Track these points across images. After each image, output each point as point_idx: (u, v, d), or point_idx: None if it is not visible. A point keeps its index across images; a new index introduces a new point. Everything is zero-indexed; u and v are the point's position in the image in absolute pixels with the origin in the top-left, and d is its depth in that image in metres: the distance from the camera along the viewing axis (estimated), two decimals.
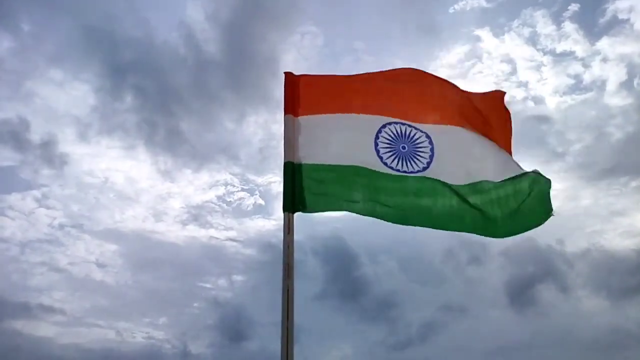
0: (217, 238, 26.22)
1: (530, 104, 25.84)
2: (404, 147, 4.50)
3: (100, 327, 21.99)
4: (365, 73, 4.75)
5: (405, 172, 4.40)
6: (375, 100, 4.65)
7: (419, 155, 4.48)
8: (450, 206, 4.36)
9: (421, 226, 4.38)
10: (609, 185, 25.32)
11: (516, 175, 4.47)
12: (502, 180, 4.44)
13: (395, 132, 4.55)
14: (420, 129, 4.57)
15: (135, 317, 23.29)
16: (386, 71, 4.80)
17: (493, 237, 4.45)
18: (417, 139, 4.55)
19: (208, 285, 24.87)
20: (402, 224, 4.38)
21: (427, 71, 4.80)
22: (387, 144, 4.51)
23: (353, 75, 4.74)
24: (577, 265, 23.09)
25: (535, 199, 4.42)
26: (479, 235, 4.40)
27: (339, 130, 4.53)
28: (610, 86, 25.34)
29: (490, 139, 4.68)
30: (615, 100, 25.18)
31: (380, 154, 4.47)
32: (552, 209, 4.46)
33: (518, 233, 4.44)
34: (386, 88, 4.70)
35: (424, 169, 4.43)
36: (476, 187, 4.43)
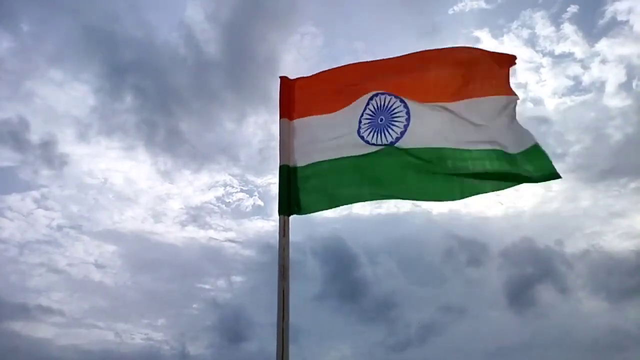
0: (216, 239, 26.28)
1: (530, 105, 25.84)
2: (381, 119, 4.46)
3: (99, 328, 22.05)
4: (357, 63, 4.69)
5: (380, 144, 4.37)
6: (364, 82, 4.60)
7: (394, 124, 4.41)
8: (423, 175, 4.27)
9: (404, 199, 4.38)
10: (608, 187, 25.34)
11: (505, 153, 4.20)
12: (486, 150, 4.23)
13: (377, 105, 4.50)
14: (402, 99, 4.47)
15: (134, 318, 23.32)
16: (384, 59, 4.68)
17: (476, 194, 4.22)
18: (394, 107, 4.46)
19: (207, 287, 24.91)
20: (389, 198, 4.42)
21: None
22: (368, 118, 4.49)
23: (347, 65, 4.69)
24: (576, 266, 23.11)
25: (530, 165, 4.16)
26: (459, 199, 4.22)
27: (329, 128, 4.54)
28: (610, 87, 25.40)
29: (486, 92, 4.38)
30: (615, 101, 25.24)
31: (360, 131, 4.45)
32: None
33: (510, 186, 4.22)
34: (378, 68, 4.64)
35: (397, 138, 4.35)
36: (449, 152, 4.27)
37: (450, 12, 26.93)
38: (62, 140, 27.08)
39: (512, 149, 4.19)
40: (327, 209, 4.44)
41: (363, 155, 4.41)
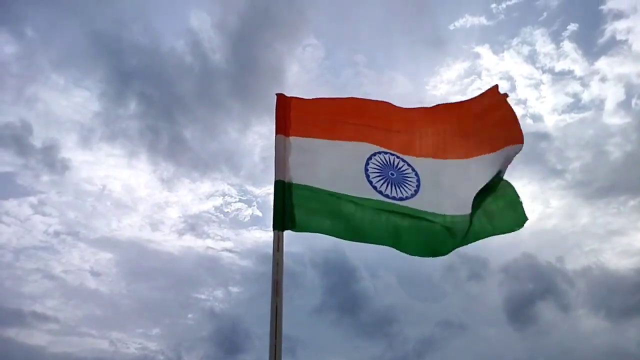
0: (213, 248, 26.27)
1: (529, 121, 25.97)
2: (392, 174, 4.61)
3: (93, 337, 22.00)
4: (353, 98, 4.85)
5: (394, 198, 4.50)
6: (363, 128, 4.76)
7: (406, 182, 4.60)
8: (433, 231, 4.46)
9: (398, 249, 4.48)
10: (607, 204, 25.35)
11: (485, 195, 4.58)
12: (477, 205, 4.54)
13: (382, 161, 4.67)
14: (405, 159, 4.71)
15: (128, 327, 23.21)
16: (374, 101, 4.90)
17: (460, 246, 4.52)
18: (403, 168, 4.68)
19: (203, 296, 24.77)
20: (392, 247, 4.47)
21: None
22: (377, 170, 4.61)
23: (342, 99, 4.82)
24: (575, 283, 23.01)
25: (507, 209, 4.67)
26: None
27: (329, 156, 4.62)
28: (609, 105, 25.55)
29: (488, 148, 4.71)
30: (614, 119, 25.36)
31: (370, 179, 4.56)
32: (524, 218, 4.70)
33: (487, 237, 4.64)
34: (374, 116, 4.82)
35: (412, 195, 4.54)
36: (460, 218, 4.51)
37: (452, 27, 27.24)
38: (64, 145, 27.26)
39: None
40: (322, 233, 4.45)
41: (375, 202, 4.46)
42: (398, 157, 4.70)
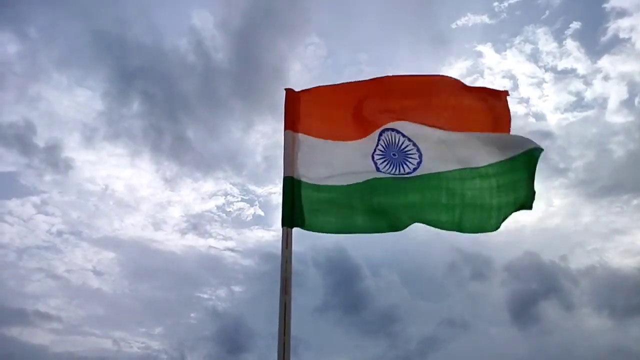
0: (216, 248, 26.22)
1: (532, 120, 25.90)
2: (394, 155, 4.58)
3: (96, 336, 21.98)
4: (359, 82, 4.76)
5: (397, 174, 4.50)
6: (370, 114, 4.70)
7: (409, 159, 4.56)
8: (440, 202, 4.44)
9: (413, 222, 4.44)
10: (610, 203, 25.28)
11: (508, 158, 4.40)
12: (491, 164, 4.44)
13: (387, 141, 4.62)
14: (406, 134, 4.63)
15: (131, 327, 23.20)
16: (385, 78, 4.78)
17: (482, 232, 4.42)
18: (404, 145, 4.61)
19: (205, 296, 24.71)
20: (400, 229, 4.45)
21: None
22: (381, 152, 4.60)
23: (351, 84, 4.75)
24: (578, 282, 22.96)
25: (521, 182, 4.37)
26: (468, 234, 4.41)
27: (339, 156, 4.60)
28: (612, 104, 25.46)
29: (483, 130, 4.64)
30: (617, 118, 25.26)
31: (375, 160, 4.57)
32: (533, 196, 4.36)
33: (502, 221, 4.40)
34: (381, 87, 4.75)
35: (415, 169, 4.51)
36: (466, 172, 4.48)
37: (454, 26, 27.13)
38: (67, 144, 27.28)
39: (510, 153, 4.39)
40: (332, 233, 4.47)
41: (378, 180, 4.48)
42: (398, 133, 4.63)
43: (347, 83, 4.77)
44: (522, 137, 4.42)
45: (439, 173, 4.48)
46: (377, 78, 4.76)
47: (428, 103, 4.72)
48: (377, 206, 4.46)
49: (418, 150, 4.55)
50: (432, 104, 4.71)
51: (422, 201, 4.46)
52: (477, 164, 4.46)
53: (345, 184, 4.50)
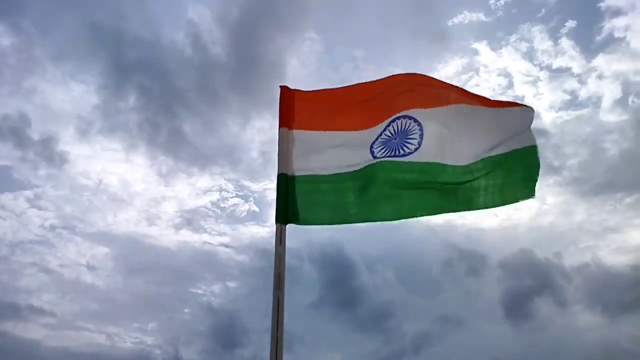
0: (210, 243, 26.35)
1: None
2: (395, 139, 4.52)
3: (89, 331, 22.03)
4: (360, 84, 4.72)
5: (391, 156, 4.42)
6: (370, 111, 4.65)
7: (408, 143, 4.48)
8: (435, 187, 4.36)
9: (411, 216, 4.39)
10: (603, 201, 25.46)
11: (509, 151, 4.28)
12: (490, 157, 4.32)
13: (397, 127, 4.54)
14: (413, 116, 4.53)
15: (125, 322, 23.25)
16: (382, 80, 4.72)
17: (471, 209, 4.33)
18: (409, 128, 4.52)
19: (200, 291, 24.83)
20: (395, 219, 4.39)
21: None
22: (384, 139, 4.53)
23: (347, 87, 4.73)
24: (571, 280, 23.10)
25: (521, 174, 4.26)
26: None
27: (334, 145, 4.56)
28: (606, 103, 25.65)
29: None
30: (611, 116, 25.45)
31: (373, 149, 4.51)
32: (534, 190, 4.24)
33: (495, 206, 4.31)
34: (381, 97, 4.67)
35: (409, 153, 4.42)
36: (465, 168, 4.36)
37: (450, 23, 27.22)
38: (62, 137, 27.20)
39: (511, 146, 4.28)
40: (326, 224, 4.45)
41: (368, 166, 4.43)
42: (410, 119, 4.53)
43: (347, 86, 4.74)
44: (521, 125, 4.27)
45: (435, 163, 4.36)
46: (376, 80, 4.71)
47: (431, 89, 4.59)
48: (371, 193, 4.41)
49: (421, 136, 4.45)
50: (436, 85, 4.60)
51: (419, 179, 4.36)
52: (475, 157, 4.33)
53: (340, 172, 4.47)
